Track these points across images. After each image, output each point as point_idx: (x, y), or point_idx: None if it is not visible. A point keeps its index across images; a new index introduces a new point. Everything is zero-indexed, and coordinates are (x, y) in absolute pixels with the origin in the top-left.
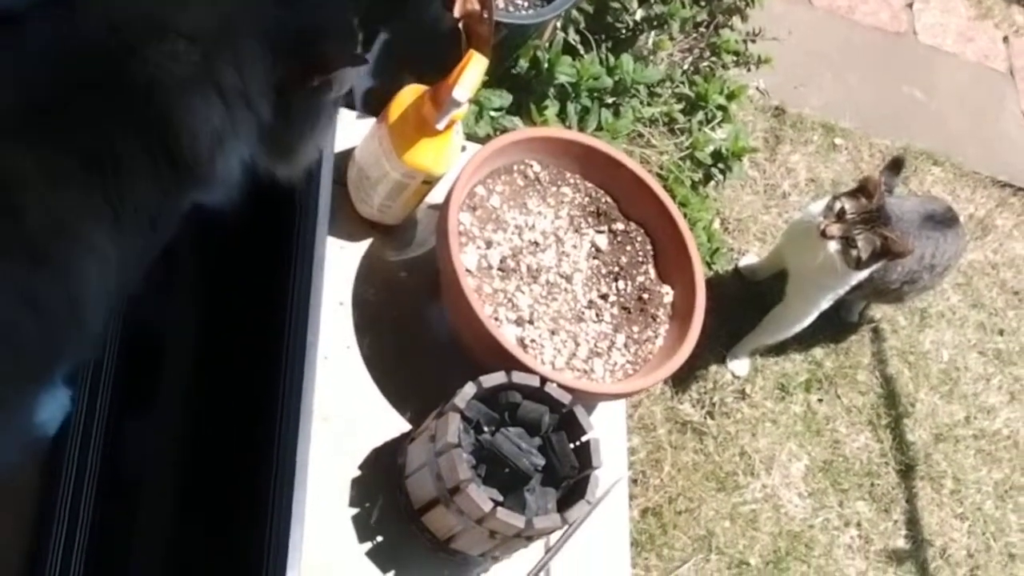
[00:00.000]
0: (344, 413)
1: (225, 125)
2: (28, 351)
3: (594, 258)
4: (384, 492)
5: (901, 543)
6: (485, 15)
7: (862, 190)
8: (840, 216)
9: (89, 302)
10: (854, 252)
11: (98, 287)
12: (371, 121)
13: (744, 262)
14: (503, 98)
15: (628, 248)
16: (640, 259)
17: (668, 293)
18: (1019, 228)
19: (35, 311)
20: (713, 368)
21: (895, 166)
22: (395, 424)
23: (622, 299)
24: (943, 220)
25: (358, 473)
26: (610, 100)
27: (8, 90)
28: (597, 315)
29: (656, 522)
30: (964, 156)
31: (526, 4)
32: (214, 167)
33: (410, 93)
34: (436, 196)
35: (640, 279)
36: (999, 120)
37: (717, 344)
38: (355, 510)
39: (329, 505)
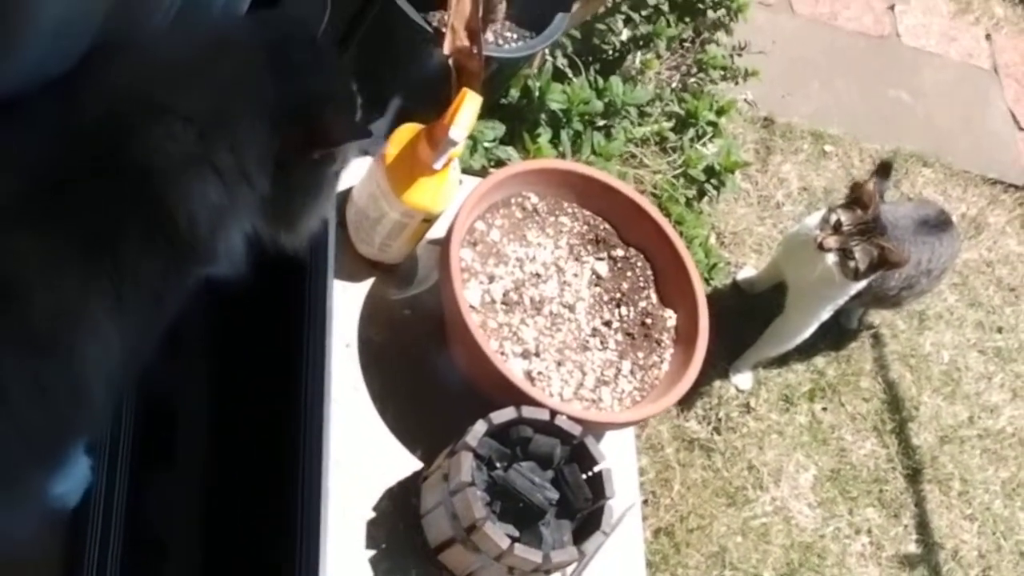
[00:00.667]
0: (355, 456)
1: (224, 203)
2: (35, 436)
3: (595, 286)
4: (400, 533)
5: (912, 547)
6: (475, 51)
7: (857, 201)
8: (836, 228)
9: (93, 385)
10: (852, 263)
11: (102, 368)
12: (367, 160)
13: (742, 275)
14: (496, 129)
15: (629, 274)
16: (641, 284)
17: (671, 317)
18: (1011, 224)
19: (41, 397)
20: (717, 383)
21: (883, 170)
22: (407, 464)
23: (625, 325)
24: (937, 224)
25: (372, 515)
26: (601, 123)
27: (10, 174)
28: (602, 343)
29: (669, 542)
30: (953, 156)
31: (515, 37)
32: (216, 245)
33: (406, 132)
34: (436, 231)
35: (642, 304)
36: (986, 118)
37: (719, 359)
38: (372, 552)
39: (346, 549)
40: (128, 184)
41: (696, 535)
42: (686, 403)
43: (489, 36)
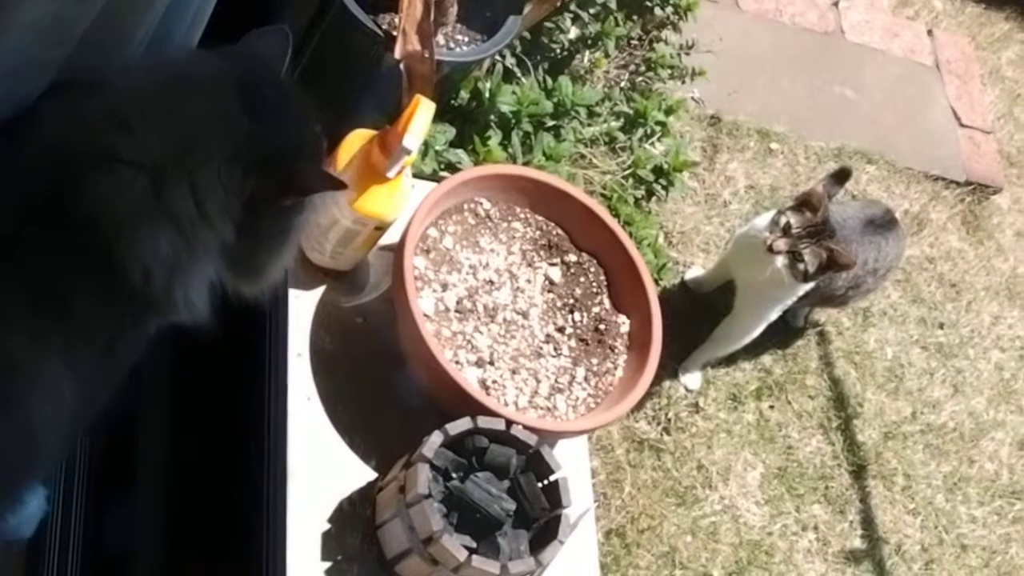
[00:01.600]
0: (309, 467)
1: (179, 253)
2: None
3: (548, 291)
4: (355, 544)
5: (858, 543)
6: (426, 54)
7: (806, 204)
8: (786, 231)
9: (44, 436)
10: (801, 266)
11: (53, 421)
12: None
13: (690, 275)
14: (447, 133)
15: (582, 279)
16: (594, 290)
17: (624, 323)
18: (952, 221)
19: None
20: (666, 384)
21: (841, 177)
22: (361, 474)
23: (579, 331)
24: (883, 224)
25: (328, 527)
26: (551, 124)
27: None
28: (555, 349)
29: (620, 543)
30: (897, 153)
31: (466, 40)
32: (173, 296)
33: (357, 139)
34: (387, 237)
35: (596, 310)
36: (928, 114)
37: (668, 359)
38: (328, 563)
39: (303, 561)
40: (77, 237)
41: (647, 535)
42: (636, 404)
43: (440, 39)
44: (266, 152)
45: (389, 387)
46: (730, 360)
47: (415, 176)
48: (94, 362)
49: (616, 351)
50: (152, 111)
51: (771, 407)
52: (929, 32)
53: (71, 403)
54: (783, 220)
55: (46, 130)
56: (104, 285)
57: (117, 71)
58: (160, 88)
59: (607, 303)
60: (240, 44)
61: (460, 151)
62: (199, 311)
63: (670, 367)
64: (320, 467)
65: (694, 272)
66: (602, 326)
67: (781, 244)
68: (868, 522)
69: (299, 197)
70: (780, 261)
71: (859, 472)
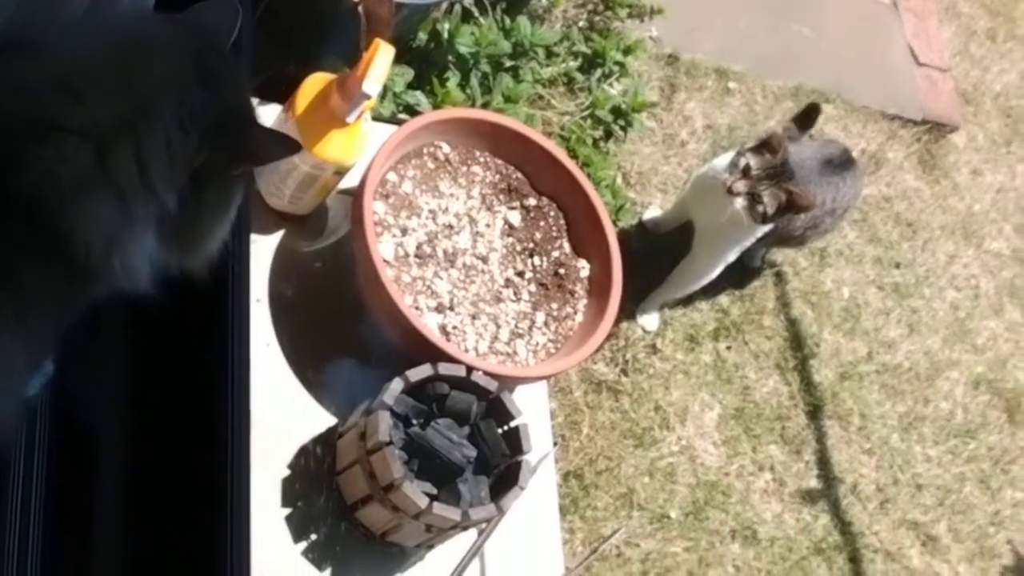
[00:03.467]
0: (269, 413)
1: (120, 223)
2: None
3: (508, 236)
4: (316, 490)
5: (813, 483)
6: None
7: (766, 145)
8: (745, 173)
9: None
10: (760, 208)
11: (9, 386)
12: (274, 108)
13: (648, 215)
14: (405, 75)
15: (541, 223)
16: (554, 234)
17: (584, 267)
18: (909, 160)
19: None
20: (624, 325)
21: (807, 116)
22: (321, 419)
23: (539, 275)
24: (841, 164)
25: (287, 473)
26: (509, 64)
27: None
28: (515, 294)
29: (578, 484)
30: (854, 92)
31: None
32: (110, 265)
33: (316, 83)
34: (346, 181)
35: (555, 254)
36: (886, 54)
37: (626, 300)
38: (288, 510)
39: (262, 508)
40: (21, 211)
41: (604, 477)
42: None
43: None
44: (220, 120)
45: (348, 333)
46: (687, 301)
47: (374, 119)
48: (43, 327)
49: (576, 296)
50: (101, 76)
51: (728, 348)
52: None
53: (23, 367)
54: (742, 162)
55: None
56: (50, 257)
57: (60, 32)
58: (110, 51)
59: (567, 247)
60: (188, 12)
61: (419, 93)
62: (139, 280)
63: (628, 308)
64: (279, 414)
65: (652, 212)
66: (562, 271)
67: (740, 186)
68: (824, 462)
69: (253, 165)
70: (739, 203)
71: (815, 412)
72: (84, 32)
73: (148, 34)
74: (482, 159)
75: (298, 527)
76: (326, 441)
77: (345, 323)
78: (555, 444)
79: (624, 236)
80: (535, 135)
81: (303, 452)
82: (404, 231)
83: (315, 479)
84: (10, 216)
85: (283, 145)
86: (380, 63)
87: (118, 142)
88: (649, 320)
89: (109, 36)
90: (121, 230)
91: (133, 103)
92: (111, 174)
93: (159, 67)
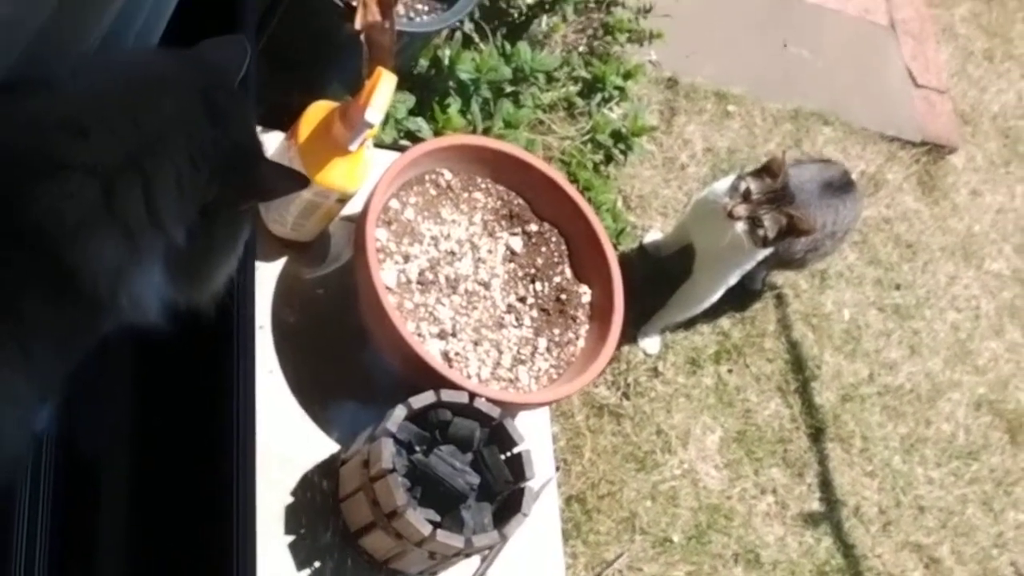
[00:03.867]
0: (272, 440)
1: (126, 258)
2: None
3: (510, 261)
4: (319, 518)
5: (816, 505)
6: (387, 25)
7: (766, 170)
8: (746, 197)
9: (6, 436)
10: (761, 232)
11: (15, 420)
12: (277, 135)
13: (648, 239)
14: (407, 101)
15: (543, 249)
16: (556, 259)
17: (586, 293)
18: (908, 181)
19: None
20: (625, 348)
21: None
22: (324, 446)
23: (540, 301)
24: (841, 186)
25: (291, 500)
26: (509, 90)
27: None
28: (517, 319)
29: (581, 509)
30: (853, 114)
31: (426, 8)
32: (118, 301)
33: (318, 110)
34: (348, 208)
35: (557, 280)
36: (883, 75)
37: (627, 324)
38: (291, 537)
39: (266, 536)
40: (27, 246)
41: (607, 501)
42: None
43: (400, 9)
44: (230, 156)
45: (351, 360)
46: (689, 324)
47: (375, 145)
48: (48, 362)
49: (578, 321)
50: (110, 114)
51: (729, 371)
52: None
53: (29, 399)
54: (743, 186)
55: None
56: (55, 291)
57: (70, 70)
58: (119, 89)
59: (568, 273)
60: (196, 49)
61: (420, 119)
62: (147, 314)
63: (629, 332)
64: (282, 441)
65: (652, 236)
66: (563, 296)
67: (741, 210)
68: (826, 485)
69: (262, 200)
70: (740, 227)
71: (817, 435)
72: (94, 70)
73: (157, 71)
74: (484, 185)
75: (302, 555)
76: (329, 468)
77: (348, 350)
78: (557, 469)
79: (625, 260)
80: (536, 161)
81: (306, 479)
82: (406, 258)
83: (318, 507)
84: (16, 250)
85: (292, 180)
86: (383, 92)
87: (125, 179)
88: (650, 343)
89: (119, 74)
90: (128, 265)
91: (141, 140)
92: (117, 211)
93: (169, 104)
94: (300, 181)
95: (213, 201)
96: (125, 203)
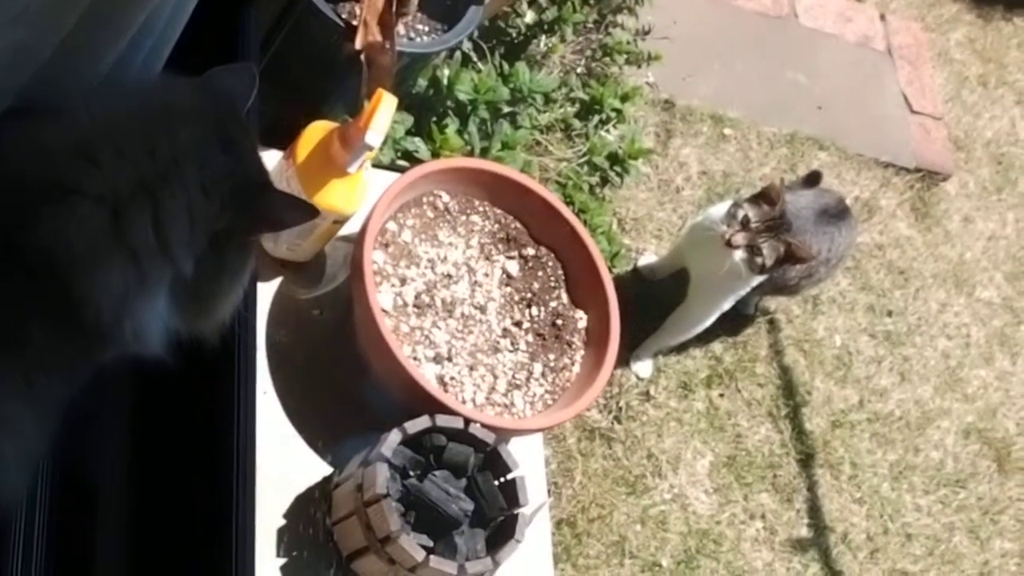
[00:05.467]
0: (265, 461)
1: (132, 287)
2: None
3: (506, 285)
4: (311, 540)
5: (804, 532)
6: (387, 45)
7: (764, 196)
8: (744, 225)
9: (11, 467)
10: (759, 260)
11: (19, 452)
12: (275, 154)
13: (643, 262)
14: (405, 121)
15: (540, 273)
16: (552, 284)
17: (582, 318)
18: (902, 208)
19: None
20: (617, 372)
21: (812, 180)
22: (317, 469)
23: (536, 326)
24: (837, 213)
25: (283, 522)
26: (507, 110)
27: None
28: (512, 344)
29: (571, 532)
30: (848, 139)
31: (427, 29)
32: (122, 329)
33: (317, 131)
34: (345, 228)
35: (553, 304)
36: (879, 101)
37: (620, 347)
38: (283, 560)
39: (258, 559)
40: (34, 273)
41: (597, 525)
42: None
43: (400, 29)
44: (241, 185)
45: (345, 382)
46: (681, 348)
47: (373, 165)
48: (51, 393)
49: (573, 347)
50: (122, 141)
51: (721, 395)
52: (882, 16)
53: (32, 431)
54: (740, 213)
55: (5, 159)
56: (60, 319)
57: (82, 96)
58: (131, 116)
59: (565, 298)
60: (206, 77)
61: (418, 139)
62: (150, 344)
63: (622, 355)
64: (275, 462)
65: (647, 259)
66: (560, 321)
67: (740, 239)
68: (815, 511)
69: (271, 230)
70: (739, 255)
71: (806, 461)
72: (106, 96)
73: (170, 99)
74: (481, 208)
75: None
76: (322, 490)
77: (342, 372)
78: (549, 494)
79: (619, 282)
80: (535, 185)
81: (299, 502)
82: (403, 280)
83: (311, 530)
84: (23, 276)
85: (301, 211)
86: (383, 114)
87: (135, 207)
88: (643, 367)
89: (131, 100)
90: (134, 293)
91: (154, 168)
92: (125, 238)
93: (182, 132)
94: (310, 212)
95: (223, 231)
96: (133, 231)
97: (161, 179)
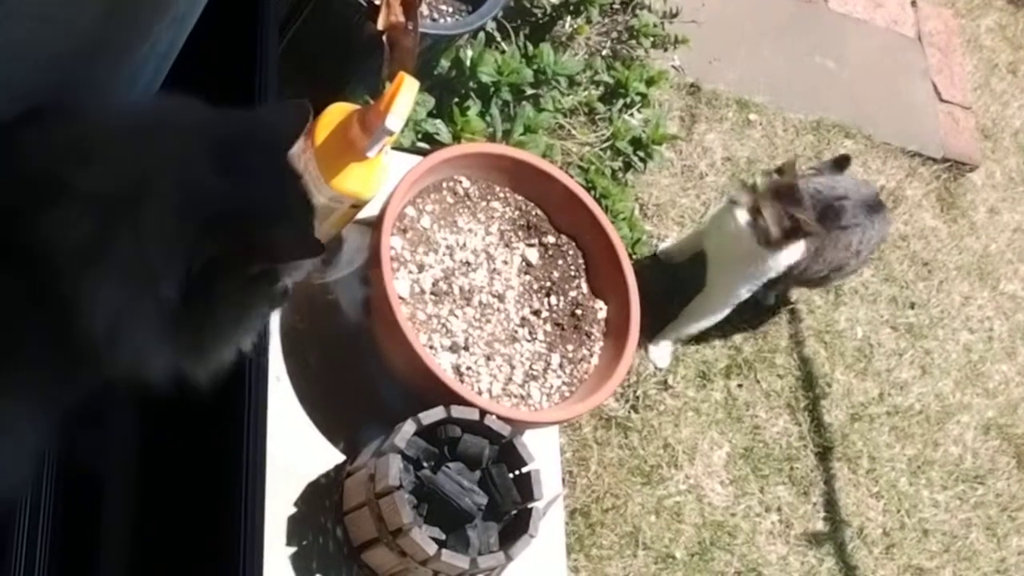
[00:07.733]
0: (276, 448)
1: (123, 297)
2: None
3: (525, 273)
4: (322, 529)
5: (820, 525)
6: (410, 26)
7: (779, 170)
8: (752, 189)
9: (11, 470)
10: (761, 223)
11: (19, 455)
12: None
13: (663, 247)
14: (426, 103)
15: (560, 262)
16: (572, 273)
17: (602, 308)
18: (928, 198)
19: None
20: (635, 360)
21: (840, 164)
22: (329, 456)
23: (555, 315)
24: (872, 206)
25: (293, 511)
26: (530, 92)
27: None
28: (530, 333)
29: (584, 522)
30: (875, 127)
31: (450, 10)
32: (117, 351)
33: (336, 113)
34: (362, 212)
35: (572, 294)
36: (908, 89)
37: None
38: (293, 549)
39: (268, 547)
40: (19, 278)
41: (611, 515)
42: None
43: (424, 10)
44: (236, 212)
45: (360, 369)
46: (700, 337)
47: (393, 148)
48: (48, 393)
49: (592, 338)
50: (117, 147)
51: (739, 385)
52: (913, 3)
53: (32, 440)
54: (751, 180)
55: (16, 157)
56: (53, 319)
57: (98, 104)
58: (133, 126)
59: (585, 287)
60: (255, 109)
61: (439, 122)
62: (147, 368)
63: (640, 343)
64: (287, 449)
65: (667, 245)
66: (579, 311)
67: (743, 198)
68: (831, 504)
69: (268, 264)
70: (741, 217)
71: (824, 454)
72: (118, 106)
73: (173, 113)
74: (502, 195)
75: (303, 567)
76: (334, 479)
77: (357, 359)
78: (564, 484)
79: (639, 269)
80: (557, 172)
81: (310, 489)
82: (421, 267)
83: (321, 519)
84: (16, 273)
85: (304, 248)
86: (404, 98)
87: (120, 212)
88: (661, 356)
89: (139, 113)
90: (127, 305)
91: (136, 179)
92: (111, 244)
93: (167, 148)
94: (313, 249)
95: (212, 260)
96: (120, 238)
97: (142, 189)
